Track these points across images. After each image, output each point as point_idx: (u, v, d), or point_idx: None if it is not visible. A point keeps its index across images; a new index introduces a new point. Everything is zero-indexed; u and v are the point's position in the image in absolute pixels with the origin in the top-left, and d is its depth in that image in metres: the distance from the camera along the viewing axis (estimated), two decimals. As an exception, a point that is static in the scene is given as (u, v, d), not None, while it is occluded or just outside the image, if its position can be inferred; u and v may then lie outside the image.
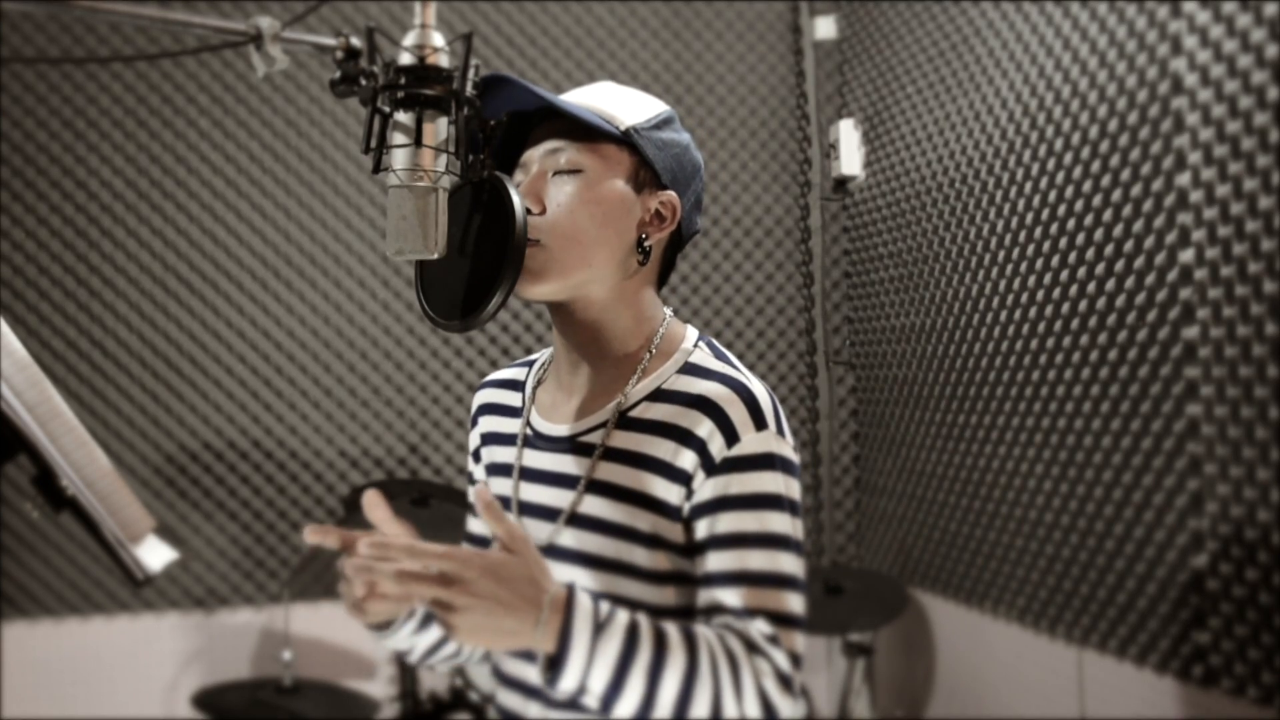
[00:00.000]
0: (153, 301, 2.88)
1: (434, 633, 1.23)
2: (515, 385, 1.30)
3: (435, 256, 1.02)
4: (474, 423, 1.33)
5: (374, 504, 1.04)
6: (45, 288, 2.82)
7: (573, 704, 1.08)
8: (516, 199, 1.06)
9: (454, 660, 1.29)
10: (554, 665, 0.97)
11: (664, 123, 1.19)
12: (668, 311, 1.22)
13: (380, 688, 2.90)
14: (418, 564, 0.95)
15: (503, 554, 0.97)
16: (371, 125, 1.01)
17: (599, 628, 0.98)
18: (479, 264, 1.09)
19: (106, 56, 2.88)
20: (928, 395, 2.81)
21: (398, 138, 1.00)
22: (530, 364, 1.31)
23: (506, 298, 1.06)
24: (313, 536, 1.03)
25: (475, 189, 1.10)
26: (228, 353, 2.92)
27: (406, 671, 2.64)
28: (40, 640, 2.81)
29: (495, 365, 3.05)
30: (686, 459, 1.08)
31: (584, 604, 0.99)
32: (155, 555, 1.07)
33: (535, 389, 1.26)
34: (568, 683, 0.97)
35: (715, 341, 1.21)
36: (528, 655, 1.14)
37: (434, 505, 2.53)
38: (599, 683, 0.98)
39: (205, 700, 2.51)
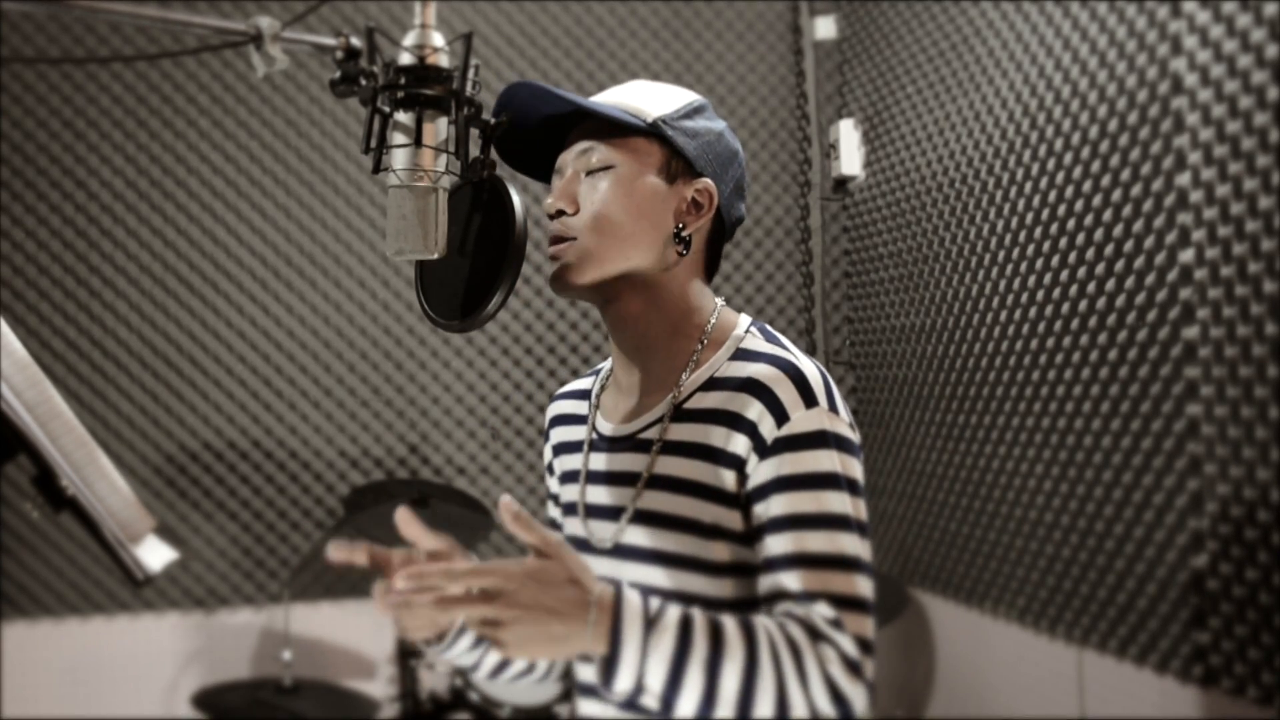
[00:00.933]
0: (153, 301, 2.88)
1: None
2: (583, 395, 1.30)
3: (435, 256, 1.02)
4: (546, 437, 1.33)
5: (407, 521, 1.00)
6: (45, 288, 2.82)
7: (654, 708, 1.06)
8: (517, 199, 1.06)
9: (527, 676, 1.27)
10: (607, 666, 0.94)
11: (694, 111, 1.19)
12: (719, 301, 1.21)
13: (380, 688, 2.90)
14: (459, 587, 0.92)
15: (540, 560, 0.95)
16: (371, 125, 1.01)
17: (650, 624, 0.95)
18: (479, 264, 1.09)
19: (106, 56, 2.88)
20: (928, 395, 2.81)
21: (398, 138, 1.00)
22: (598, 372, 1.31)
23: (506, 298, 1.06)
24: (338, 554, 1.00)
25: (475, 189, 1.10)
26: (228, 353, 2.92)
27: (406, 671, 2.64)
28: (40, 640, 2.81)
29: (495, 365, 3.05)
30: (739, 443, 1.07)
31: (633, 601, 0.96)
32: (155, 555, 1.07)
33: (600, 394, 1.26)
34: (623, 683, 0.94)
35: (768, 326, 1.20)
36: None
37: (434, 505, 2.53)
38: (656, 681, 0.94)
39: (205, 700, 2.51)
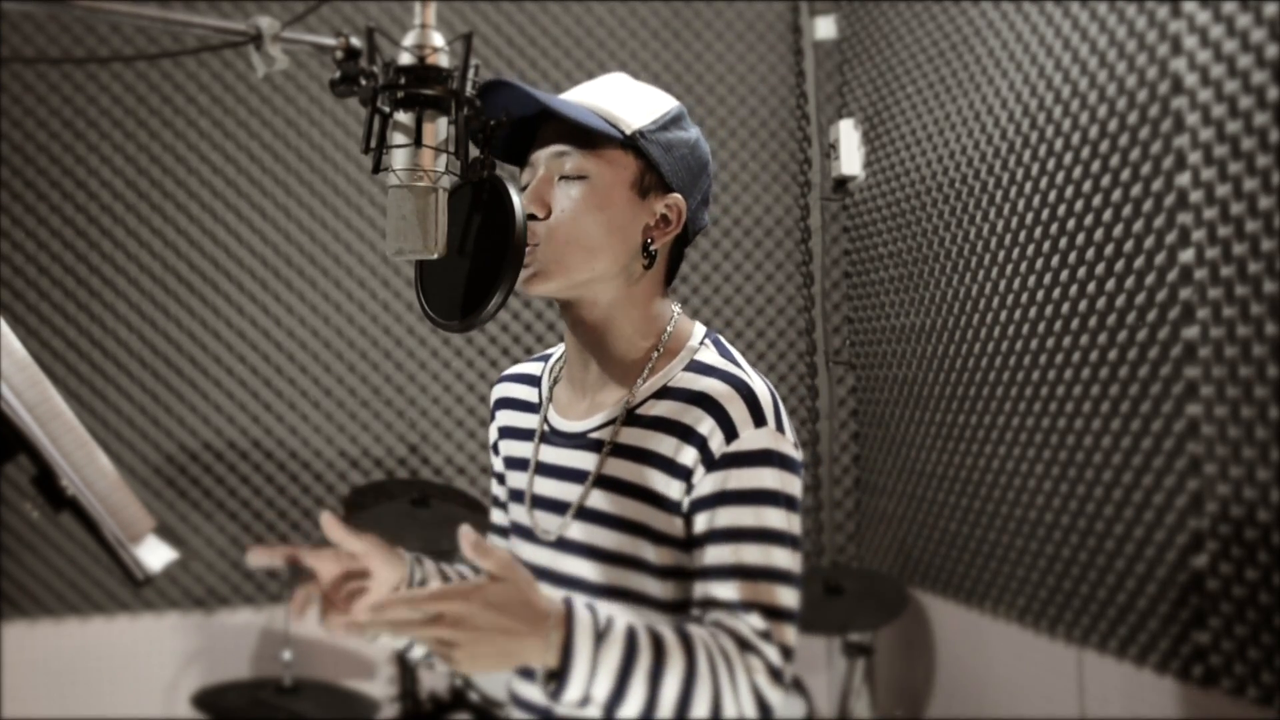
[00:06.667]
0: (153, 301, 2.88)
1: None
2: (532, 380, 1.31)
3: (435, 256, 1.02)
4: (492, 416, 1.35)
5: (330, 526, 1.05)
6: (45, 288, 2.82)
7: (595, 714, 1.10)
8: (516, 199, 1.06)
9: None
10: (558, 678, 0.99)
11: (671, 121, 1.19)
12: (676, 309, 1.23)
13: (380, 688, 2.90)
14: (416, 613, 0.96)
15: (495, 583, 0.98)
16: (371, 125, 1.01)
17: (599, 638, 1.00)
18: (479, 264, 1.09)
19: (106, 56, 2.88)
20: (928, 395, 2.81)
21: (398, 138, 1.00)
22: (546, 359, 1.33)
23: (506, 298, 1.06)
24: (256, 559, 1.05)
25: (475, 189, 1.10)
26: (228, 353, 2.92)
27: (406, 671, 2.64)
28: (40, 640, 2.81)
29: (495, 365, 3.05)
30: (688, 455, 1.10)
31: (583, 617, 1.01)
32: (155, 555, 1.07)
33: (553, 386, 1.28)
34: (572, 694, 0.99)
35: (722, 339, 1.23)
36: None
37: (434, 505, 2.53)
38: (602, 691, 1.00)
39: (205, 700, 2.51)
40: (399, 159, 1.00)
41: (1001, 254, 2.51)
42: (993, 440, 2.56)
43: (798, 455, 1.14)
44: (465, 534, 0.98)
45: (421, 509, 2.53)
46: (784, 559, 1.08)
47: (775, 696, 1.05)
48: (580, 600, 1.04)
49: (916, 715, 2.99)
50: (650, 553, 1.12)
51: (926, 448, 2.83)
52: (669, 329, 1.20)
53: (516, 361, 3.00)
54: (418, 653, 1.25)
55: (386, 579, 1.11)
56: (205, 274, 2.91)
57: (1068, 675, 2.40)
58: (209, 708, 2.48)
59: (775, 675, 1.05)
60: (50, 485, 1.00)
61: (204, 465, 2.89)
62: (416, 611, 0.95)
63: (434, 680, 2.77)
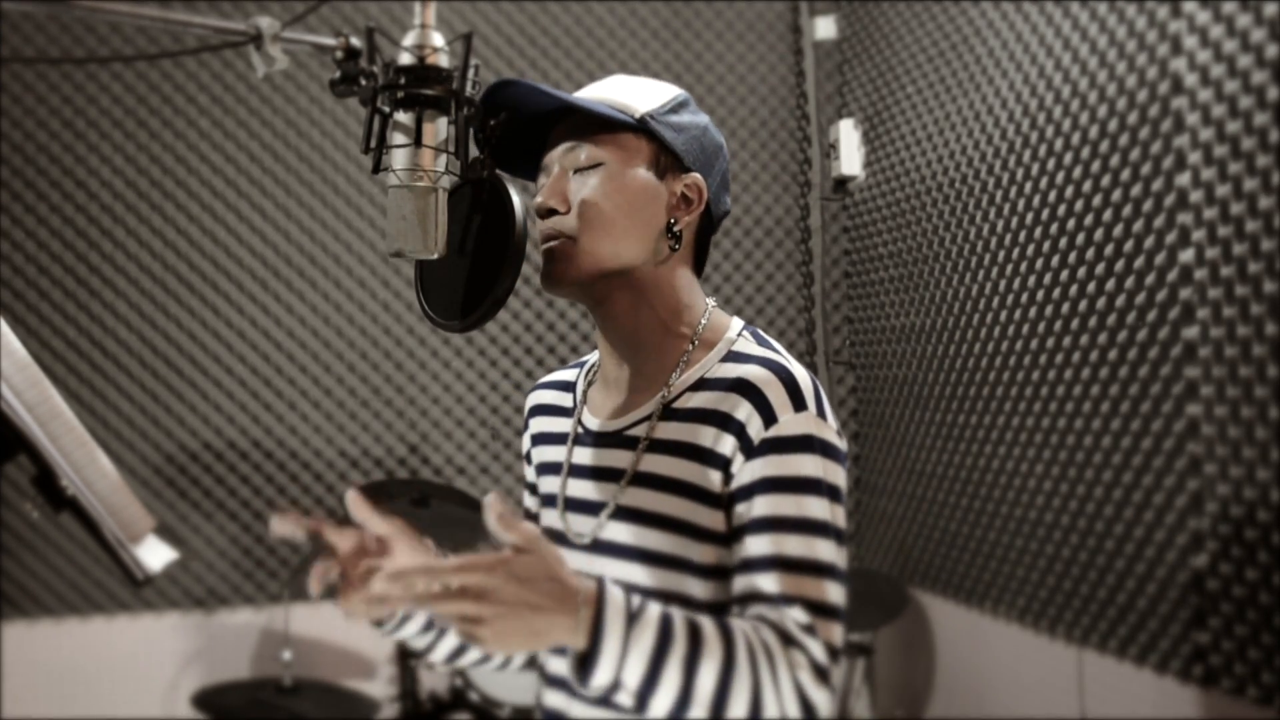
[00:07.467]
0: (153, 301, 2.88)
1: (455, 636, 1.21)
2: (566, 386, 1.29)
3: (435, 256, 1.02)
4: (525, 426, 1.32)
5: (356, 504, 0.99)
6: (45, 288, 2.82)
7: (628, 705, 1.06)
8: (517, 199, 1.06)
9: (483, 663, 1.27)
10: (586, 661, 0.93)
11: (679, 106, 1.19)
12: (710, 302, 1.21)
13: (380, 688, 2.90)
14: (439, 585, 0.91)
15: (519, 555, 0.93)
16: (371, 125, 1.01)
17: (631, 619, 0.95)
18: (479, 264, 1.09)
19: (106, 56, 2.88)
20: (928, 395, 2.81)
21: (398, 138, 1.00)
22: (582, 365, 1.31)
23: (506, 298, 1.06)
24: (279, 527, 1.00)
25: (475, 189, 1.10)
26: (228, 353, 2.92)
27: (406, 671, 2.64)
28: (40, 640, 2.81)
29: (495, 365, 3.05)
30: (726, 443, 1.07)
31: (615, 597, 0.96)
32: (155, 555, 1.07)
33: (587, 389, 1.25)
34: (601, 677, 0.94)
35: (760, 330, 1.20)
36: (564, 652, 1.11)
37: (434, 505, 2.53)
38: (634, 677, 0.94)
39: (205, 700, 2.51)
40: (399, 159, 1.00)
41: (1001, 254, 2.51)
42: (993, 440, 2.56)
43: (842, 444, 1.09)
44: (491, 504, 0.94)
45: (421, 509, 2.52)
46: (827, 551, 1.03)
47: (820, 697, 0.98)
48: (613, 581, 0.99)
49: (916, 715, 2.99)
50: (694, 551, 1.07)
51: (926, 448, 2.83)
52: (703, 320, 1.18)
53: (517, 362, 3.05)
54: (440, 655, 1.22)
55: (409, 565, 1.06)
56: (205, 274, 2.91)
57: (1068, 675, 2.40)
58: (209, 708, 2.48)
59: (820, 674, 0.98)
60: (50, 485, 1.00)
61: (204, 465, 2.89)
62: (437, 583, 0.90)
63: (434, 680, 2.77)
